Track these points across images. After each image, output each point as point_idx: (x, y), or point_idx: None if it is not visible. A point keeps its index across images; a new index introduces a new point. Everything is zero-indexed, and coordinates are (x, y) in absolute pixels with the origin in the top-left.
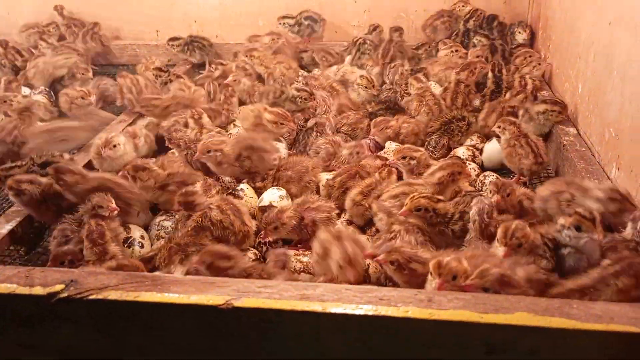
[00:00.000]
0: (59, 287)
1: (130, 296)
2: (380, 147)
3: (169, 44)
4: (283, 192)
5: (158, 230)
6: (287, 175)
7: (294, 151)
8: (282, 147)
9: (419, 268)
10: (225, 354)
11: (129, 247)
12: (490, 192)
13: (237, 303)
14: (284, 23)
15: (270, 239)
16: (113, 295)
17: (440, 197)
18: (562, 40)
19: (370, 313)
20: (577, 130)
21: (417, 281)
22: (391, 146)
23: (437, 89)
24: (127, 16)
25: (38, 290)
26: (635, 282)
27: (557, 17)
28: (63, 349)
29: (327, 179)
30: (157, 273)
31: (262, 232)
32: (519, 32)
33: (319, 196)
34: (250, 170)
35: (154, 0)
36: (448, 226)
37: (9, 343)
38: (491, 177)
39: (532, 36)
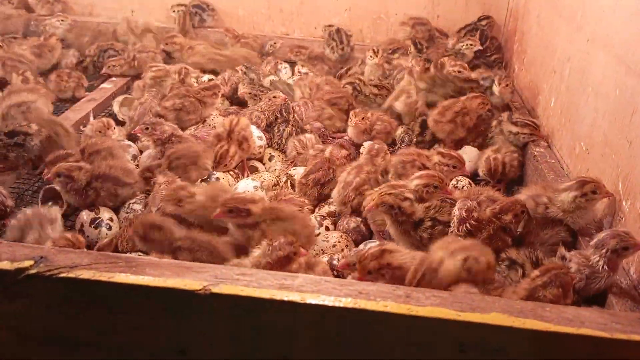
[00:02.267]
0: (27, 263)
1: (103, 276)
2: (355, 145)
3: None
4: (257, 182)
5: (127, 212)
6: (181, 163)
7: (271, 142)
8: (256, 132)
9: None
10: (197, 340)
11: (95, 228)
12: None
13: (215, 289)
14: (176, 11)
15: None
16: (85, 274)
17: (409, 196)
18: (537, 54)
19: (349, 306)
20: (547, 142)
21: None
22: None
23: None
24: None
25: (5, 265)
26: (563, 293)
27: (534, 31)
28: (20, 327)
29: (300, 179)
30: (130, 254)
31: None
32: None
33: (292, 191)
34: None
35: None
36: (417, 231)
37: None
38: (463, 181)
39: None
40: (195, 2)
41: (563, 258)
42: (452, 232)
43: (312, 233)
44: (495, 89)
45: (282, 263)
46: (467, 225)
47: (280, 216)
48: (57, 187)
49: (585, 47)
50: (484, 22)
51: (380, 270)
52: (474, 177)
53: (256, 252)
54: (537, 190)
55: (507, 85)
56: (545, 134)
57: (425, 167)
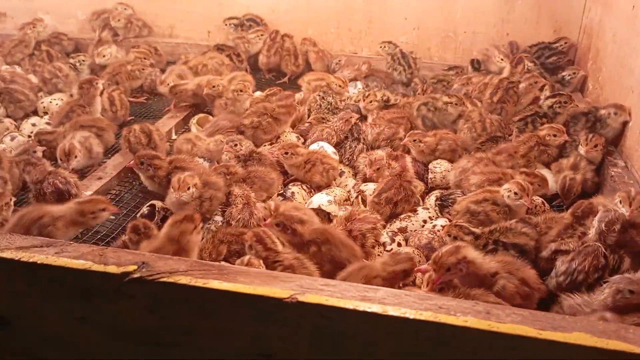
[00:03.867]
0: (132, 268)
1: (199, 282)
2: (421, 164)
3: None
4: (331, 197)
5: (209, 224)
6: (256, 184)
7: (342, 158)
8: (330, 148)
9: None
10: (281, 345)
11: None
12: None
13: (302, 298)
14: (229, 24)
15: None
16: (183, 280)
17: (474, 230)
18: (613, 72)
19: (430, 319)
20: (625, 163)
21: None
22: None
23: None
24: (181, 14)
25: (112, 269)
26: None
27: (609, 49)
28: (117, 326)
29: (372, 198)
30: (221, 263)
31: None
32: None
33: (364, 207)
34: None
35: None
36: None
37: (71, 315)
38: (536, 200)
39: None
40: (249, 16)
41: None
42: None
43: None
44: (582, 149)
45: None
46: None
47: (329, 240)
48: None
49: None
50: (559, 45)
51: (458, 265)
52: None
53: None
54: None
55: (596, 146)
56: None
57: None
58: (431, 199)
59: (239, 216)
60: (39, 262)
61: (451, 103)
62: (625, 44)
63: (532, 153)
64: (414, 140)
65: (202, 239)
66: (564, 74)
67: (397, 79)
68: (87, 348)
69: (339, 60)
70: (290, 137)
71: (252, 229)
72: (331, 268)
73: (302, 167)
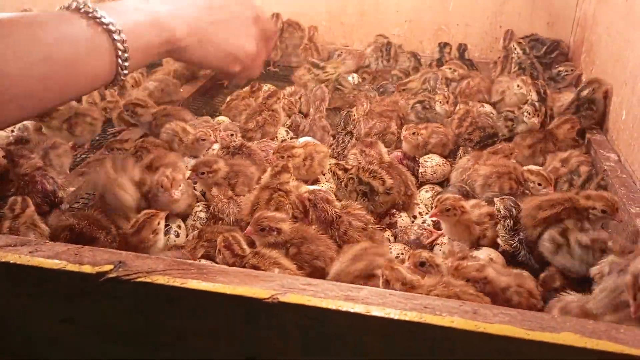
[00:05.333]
0: (107, 267)
1: (177, 282)
2: (410, 158)
3: None
4: (321, 187)
5: (194, 221)
6: (237, 179)
7: (332, 152)
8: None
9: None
10: (266, 347)
11: (165, 234)
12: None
13: (283, 298)
14: None
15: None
16: (161, 280)
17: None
18: (606, 65)
19: (415, 320)
20: (619, 156)
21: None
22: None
23: None
24: None
25: (87, 269)
26: None
27: (603, 42)
28: (100, 325)
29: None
30: (201, 262)
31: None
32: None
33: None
34: None
35: None
36: None
37: (48, 316)
38: None
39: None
40: None
41: None
42: None
43: (333, 256)
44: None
45: None
46: None
47: (306, 237)
48: None
49: None
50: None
51: (476, 284)
52: None
53: None
54: None
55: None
56: (615, 147)
57: (519, 182)
58: (422, 194)
59: (227, 210)
60: (11, 261)
61: (438, 102)
62: (618, 37)
63: (540, 145)
64: (413, 134)
65: (188, 236)
66: (559, 69)
67: (372, 67)
68: (80, 350)
69: (340, 52)
70: (280, 132)
71: (223, 234)
72: (310, 268)
73: (303, 166)
